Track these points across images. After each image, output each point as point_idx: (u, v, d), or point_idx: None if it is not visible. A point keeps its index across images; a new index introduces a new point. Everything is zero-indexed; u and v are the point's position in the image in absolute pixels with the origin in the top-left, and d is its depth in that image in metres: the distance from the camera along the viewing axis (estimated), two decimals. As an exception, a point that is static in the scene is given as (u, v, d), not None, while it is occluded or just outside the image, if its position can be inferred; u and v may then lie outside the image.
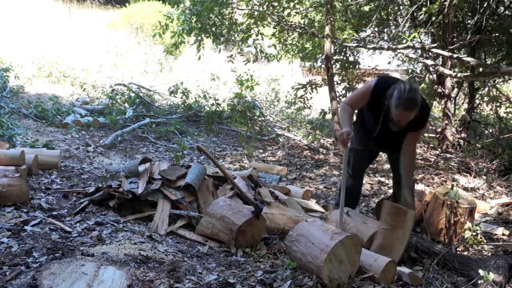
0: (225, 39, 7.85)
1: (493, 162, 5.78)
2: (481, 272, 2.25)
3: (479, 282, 2.36)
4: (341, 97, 8.14)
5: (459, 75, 5.94)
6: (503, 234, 3.65)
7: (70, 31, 14.74)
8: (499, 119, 7.55)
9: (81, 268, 2.07)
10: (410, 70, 8.35)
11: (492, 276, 2.24)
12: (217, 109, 8.63)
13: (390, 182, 5.26)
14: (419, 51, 6.84)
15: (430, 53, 6.72)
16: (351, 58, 7.90)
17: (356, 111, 3.35)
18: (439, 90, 7.03)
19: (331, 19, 6.92)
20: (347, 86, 8.13)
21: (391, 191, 4.90)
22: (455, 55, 5.81)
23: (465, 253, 3.17)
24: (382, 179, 5.39)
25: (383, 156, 6.53)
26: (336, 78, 7.88)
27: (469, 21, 6.54)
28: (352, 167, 3.43)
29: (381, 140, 3.23)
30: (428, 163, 6.05)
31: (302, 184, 5.26)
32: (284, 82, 11.95)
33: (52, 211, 3.22)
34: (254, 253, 2.90)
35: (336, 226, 2.83)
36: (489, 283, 2.30)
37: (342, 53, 7.86)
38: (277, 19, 7.57)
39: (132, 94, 8.77)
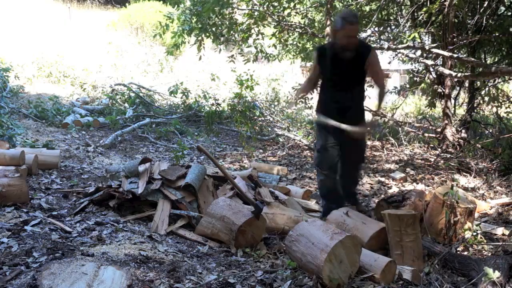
0: (225, 39, 7.85)
1: (493, 162, 5.78)
2: (485, 269, 2.25)
3: (482, 279, 2.37)
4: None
5: (459, 75, 5.94)
6: (503, 234, 3.65)
7: (70, 31, 14.75)
8: (499, 119, 7.55)
9: (81, 268, 2.07)
10: (411, 70, 8.36)
11: (496, 274, 2.24)
12: (217, 109, 8.63)
13: (391, 182, 5.27)
14: (419, 51, 6.84)
15: (430, 53, 6.72)
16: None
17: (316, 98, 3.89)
18: (439, 90, 7.03)
19: (331, 19, 6.92)
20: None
21: (391, 191, 4.91)
22: (455, 55, 5.80)
23: (465, 253, 3.17)
24: (382, 179, 5.39)
25: (382, 156, 6.53)
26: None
27: (469, 21, 6.53)
28: (325, 165, 3.60)
29: (342, 101, 3.48)
30: (428, 163, 6.04)
31: (302, 184, 5.26)
32: (284, 82, 11.96)
33: (52, 211, 3.22)
34: (254, 253, 2.90)
35: (336, 226, 2.84)
36: (490, 283, 2.30)
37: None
38: (277, 19, 7.57)
39: (132, 94, 8.77)
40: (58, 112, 7.48)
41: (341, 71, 3.41)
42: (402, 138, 7.18)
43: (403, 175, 5.43)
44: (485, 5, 5.89)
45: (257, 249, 2.98)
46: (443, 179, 5.39)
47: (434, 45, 6.31)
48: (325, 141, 3.55)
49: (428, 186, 5.09)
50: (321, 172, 3.68)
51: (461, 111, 8.08)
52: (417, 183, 5.18)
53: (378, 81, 3.57)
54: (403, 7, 7.47)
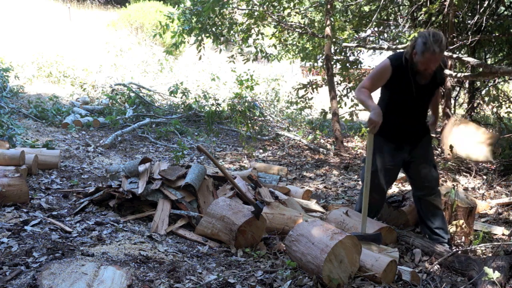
0: (225, 39, 7.86)
1: (493, 162, 5.78)
2: (485, 269, 2.25)
3: (482, 279, 2.36)
4: (342, 97, 8.15)
5: (459, 75, 5.94)
6: (503, 234, 3.65)
7: (70, 31, 14.76)
8: (499, 119, 7.55)
9: (81, 268, 2.07)
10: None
11: (497, 274, 2.24)
12: (217, 109, 8.63)
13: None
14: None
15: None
16: (351, 58, 7.91)
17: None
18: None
19: (331, 19, 6.92)
20: (348, 85, 8.15)
21: (390, 191, 4.90)
22: (455, 55, 5.80)
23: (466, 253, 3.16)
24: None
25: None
26: (336, 78, 7.90)
27: (469, 21, 6.53)
28: (376, 185, 3.12)
29: (411, 125, 3.06)
30: (428, 163, 6.04)
31: (302, 184, 5.26)
32: (284, 82, 11.96)
33: (52, 211, 3.22)
34: (254, 253, 2.90)
35: (337, 226, 2.83)
36: (490, 283, 2.30)
37: (343, 53, 7.87)
38: (277, 19, 7.57)
39: (132, 94, 8.77)
40: (58, 112, 7.49)
41: (416, 96, 2.98)
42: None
43: (403, 175, 5.42)
44: (485, 5, 5.89)
45: (257, 249, 2.98)
46: (443, 179, 5.39)
47: (434, 45, 6.30)
48: (380, 164, 3.12)
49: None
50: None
51: (461, 111, 8.08)
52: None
53: (434, 108, 3.23)
54: (402, 7, 7.47)
